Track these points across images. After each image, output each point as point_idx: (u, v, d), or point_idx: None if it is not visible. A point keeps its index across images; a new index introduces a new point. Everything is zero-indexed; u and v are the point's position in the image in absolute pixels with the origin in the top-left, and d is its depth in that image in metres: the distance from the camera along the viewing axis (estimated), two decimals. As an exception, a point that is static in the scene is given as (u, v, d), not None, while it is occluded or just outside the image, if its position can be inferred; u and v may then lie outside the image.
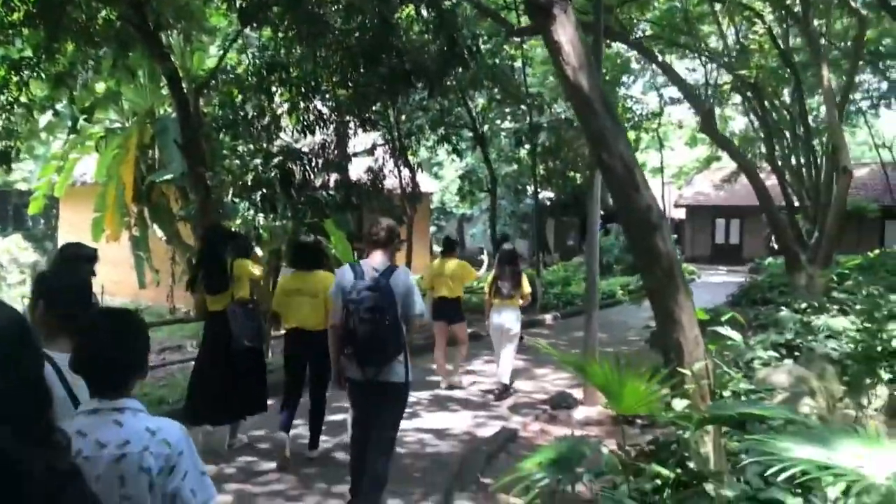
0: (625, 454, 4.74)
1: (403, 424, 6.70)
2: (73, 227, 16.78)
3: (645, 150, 35.69)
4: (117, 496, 1.96)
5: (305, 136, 10.10)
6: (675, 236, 32.80)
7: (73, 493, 1.34)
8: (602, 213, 34.04)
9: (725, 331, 6.48)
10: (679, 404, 4.08)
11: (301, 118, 10.04)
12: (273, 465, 5.77)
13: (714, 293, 19.93)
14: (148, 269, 14.02)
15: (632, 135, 31.26)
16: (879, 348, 8.16)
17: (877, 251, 18.34)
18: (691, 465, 4.14)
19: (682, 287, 4.26)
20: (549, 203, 30.55)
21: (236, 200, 10.81)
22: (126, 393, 2.09)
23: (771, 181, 15.32)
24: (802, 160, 16.58)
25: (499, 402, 8.02)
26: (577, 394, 7.78)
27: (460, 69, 10.96)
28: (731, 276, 29.31)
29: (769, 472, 3.41)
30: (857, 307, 9.60)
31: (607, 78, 23.21)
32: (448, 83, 11.77)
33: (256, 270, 6.34)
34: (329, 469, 5.71)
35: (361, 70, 10.00)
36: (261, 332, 6.29)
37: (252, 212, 9.95)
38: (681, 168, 43.32)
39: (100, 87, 12.03)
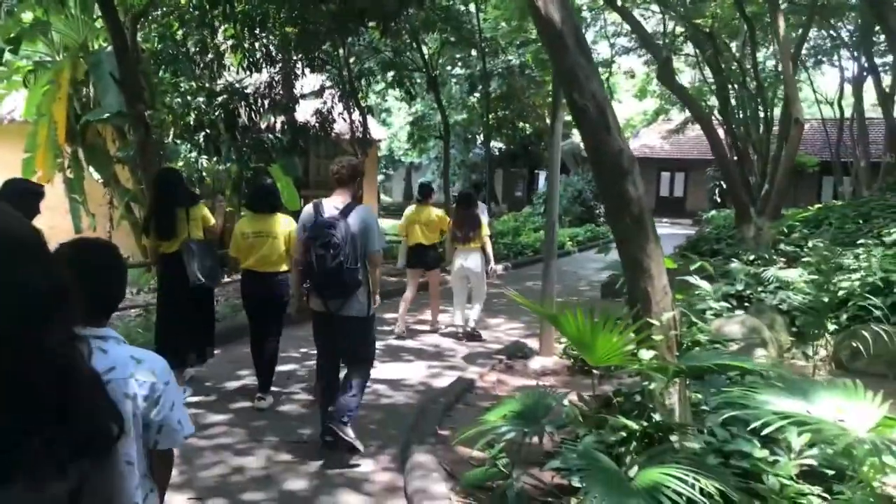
0: (586, 405, 4.65)
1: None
2: (0, 168, 15.88)
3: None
4: None
5: (251, 74, 9.60)
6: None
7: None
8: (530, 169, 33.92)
9: (695, 280, 6.42)
10: (646, 355, 3.98)
11: (246, 55, 9.54)
12: (221, 416, 5.53)
13: (662, 245, 20.09)
14: (84, 213, 13.34)
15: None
16: (826, 299, 8.27)
17: (817, 206, 18.72)
18: (657, 416, 4.06)
19: (651, 235, 4.11)
20: (497, 153, 30.35)
21: (178, 142, 10.31)
22: (106, 323, 2.06)
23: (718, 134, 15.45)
24: (750, 113, 16.66)
25: (471, 342, 8.24)
26: (532, 343, 7.69)
27: (413, 9, 10.55)
28: (674, 229, 29.74)
29: (751, 426, 3.34)
30: (805, 259, 9.70)
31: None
32: (400, 24, 11.33)
33: (212, 219, 6.29)
34: (281, 420, 5.50)
35: (311, 6, 9.52)
36: (214, 271, 6.23)
37: (195, 154, 9.51)
38: (628, 121, 43.50)
39: (26, 16, 11.23)
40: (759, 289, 9.13)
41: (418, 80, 15.18)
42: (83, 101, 12.54)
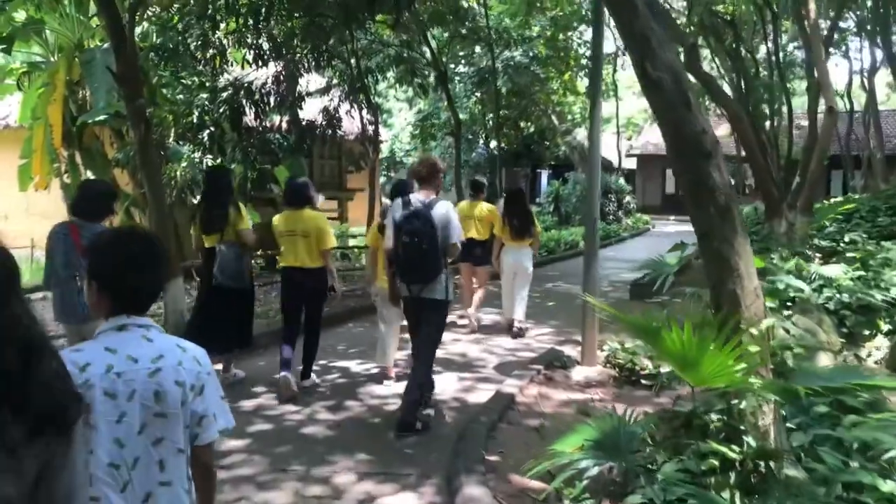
0: (658, 425, 4.10)
1: (383, 391, 6.15)
2: (-3, 175, 15.31)
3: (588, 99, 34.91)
4: (152, 414, 1.93)
5: (258, 68, 9.03)
6: (630, 187, 32.50)
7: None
8: (552, 162, 33.60)
9: (790, 280, 5.86)
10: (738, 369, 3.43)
11: (251, 48, 8.97)
12: (239, 442, 4.97)
13: (674, 242, 19.56)
14: (81, 219, 12.77)
15: (584, 83, 30.58)
16: (879, 298, 7.75)
17: (838, 198, 18.16)
18: (749, 440, 3.51)
19: (739, 228, 3.55)
20: (499, 152, 29.76)
21: (179, 142, 9.76)
22: (145, 313, 2.06)
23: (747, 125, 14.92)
24: (771, 105, 16.11)
25: (516, 338, 8.22)
26: (568, 351, 7.14)
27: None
28: (682, 226, 29.24)
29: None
30: (850, 255, 9.16)
31: (559, 20, 22.43)
32: (410, 16, 10.77)
33: (245, 224, 6.34)
34: (306, 444, 4.94)
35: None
36: (242, 274, 6.32)
37: (198, 154, 8.93)
38: (629, 119, 42.95)
39: (19, 15, 10.69)
40: (801, 286, 8.59)
41: (427, 76, 14.64)
42: (79, 103, 11.99)
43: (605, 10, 6.18)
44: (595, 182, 6.55)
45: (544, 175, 35.66)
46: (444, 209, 5.24)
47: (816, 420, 3.97)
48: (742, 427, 3.55)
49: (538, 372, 6.35)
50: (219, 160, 9.57)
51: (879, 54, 19.50)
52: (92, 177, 11.91)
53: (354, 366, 7.03)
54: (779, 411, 3.59)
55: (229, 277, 6.16)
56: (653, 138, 37.55)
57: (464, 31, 13.86)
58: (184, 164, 8.86)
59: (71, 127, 11.67)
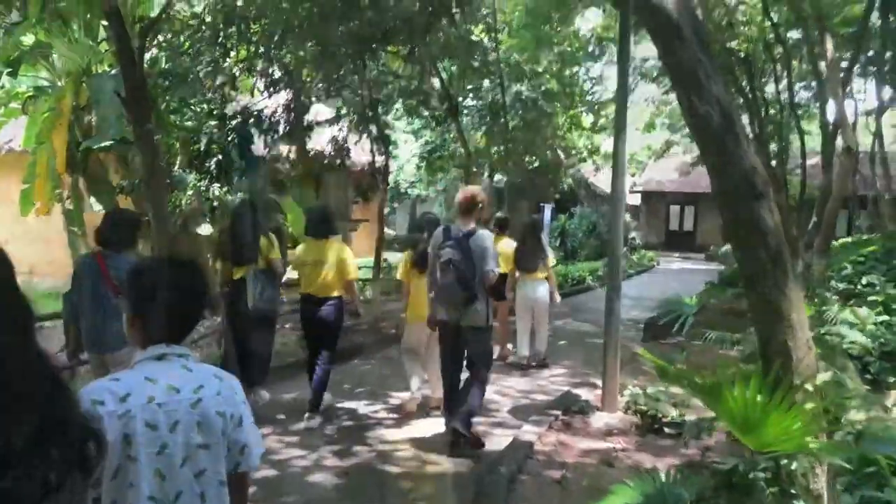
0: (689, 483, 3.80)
1: (394, 435, 5.85)
2: (-1, 201, 15.08)
3: (593, 135, 34.95)
4: (195, 445, 1.90)
5: (270, 96, 8.85)
6: (635, 223, 32.31)
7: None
8: (557, 196, 33.65)
9: (845, 330, 5.62)
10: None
11: (262, 76, 8.80)
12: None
13: (682, 280, 19.36)
14: (83, 246, 12.51)
15: (589, 118, 30.61)
16: (902, 342, 7.50)
17: (847, 239, 17.93)
18: (801, 505, 3.23)
19: (791, 274, 3.31)
20: (502, 186, 29.63)
21: (185, 170, 9.57)
22: (184, 343, 2.03)
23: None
24: (783, 143, 15.96)
25: (539, 369, 8.32)
26: (585, 394, 6.84)
27: (441, 31, 9.87)
28: (686, 263, 29.00)
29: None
30: (871, 298, 8.90)
31: (566, 55, 22.40)
32: (424, 48, 10.62)
33: (276, 253, 6.56)
34: (311, 491, 4.64)
35: (332, 26, 8.78)
36: (276, 301, 6.54)
37: (205, 182, 8.71)
38: (632, 155, 42.92)
39: (27, 39, 10.55)
40: (822, 330, 8.31)
41: (437, 108, 14.50)
42: (85, 129, 11.82)
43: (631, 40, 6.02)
44: (619, 216, 6.32)
45: (547, 209, 35.54)
46: (480, 240, 5.44)
47: (863, 480, 3.70)
48: (793, 490, 3.28)
49: (556, 418, 6.05)
50: (225, 189, 9.36)
51: (887, 94, 19.42)
52: (95, 204, 11.72)
53: (362, 407, 6.73)
54: (833, 473, 3.32)
55: (267, 302, 6.42)
56: (656, 175, 37.45)
57: (475, 64, 13.72)
58: (189, 191, 8.64)
59: (75, 152, 11.48)
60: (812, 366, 3.34)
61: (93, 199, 11.78)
